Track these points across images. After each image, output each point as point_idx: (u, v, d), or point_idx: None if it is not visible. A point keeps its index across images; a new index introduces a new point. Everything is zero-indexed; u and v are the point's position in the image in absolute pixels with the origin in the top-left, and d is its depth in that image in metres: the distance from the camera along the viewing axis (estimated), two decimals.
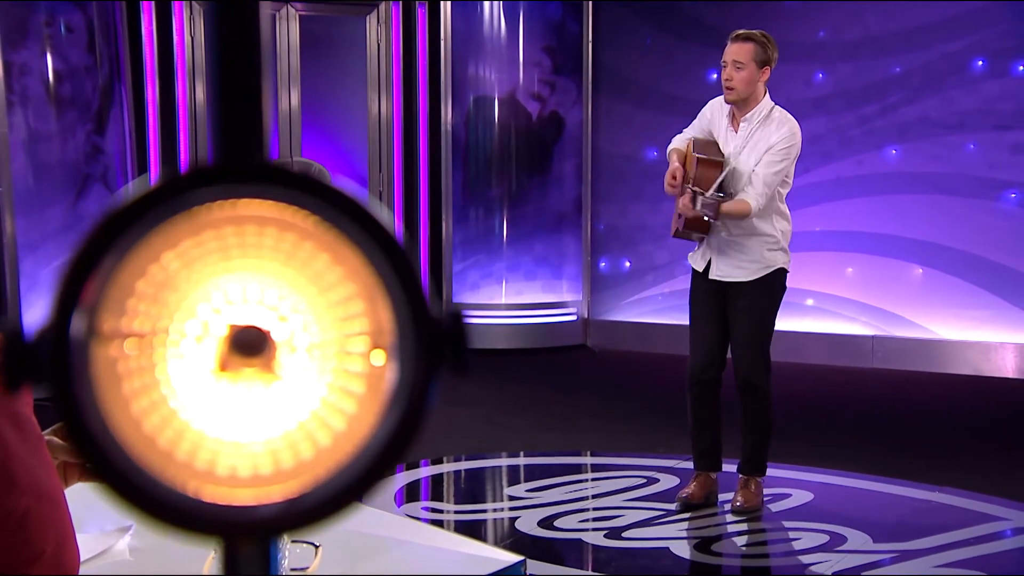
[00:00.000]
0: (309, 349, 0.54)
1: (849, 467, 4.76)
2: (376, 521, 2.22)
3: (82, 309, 0.51)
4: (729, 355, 4.12)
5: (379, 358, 0.53)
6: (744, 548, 3.97)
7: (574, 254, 8.05)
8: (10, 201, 6.04)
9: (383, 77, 7.62)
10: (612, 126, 7.99)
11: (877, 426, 5.64)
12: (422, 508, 4.37)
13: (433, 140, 7.77)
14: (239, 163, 0.52)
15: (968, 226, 6.87)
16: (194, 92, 7.19)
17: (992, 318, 6.82)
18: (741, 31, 3.98)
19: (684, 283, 7.73)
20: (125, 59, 6.68)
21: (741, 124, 3.99)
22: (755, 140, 3.96)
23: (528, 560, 2.50)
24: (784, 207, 4.08)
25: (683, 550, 3.85)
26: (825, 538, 3.92)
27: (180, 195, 0.51)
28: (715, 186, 3.87)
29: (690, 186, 3.88)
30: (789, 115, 4.02)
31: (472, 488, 4.73)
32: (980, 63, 6.81)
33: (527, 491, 4.53)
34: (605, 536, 3.97)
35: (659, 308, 7.92)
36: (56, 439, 1.30)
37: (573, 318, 8.04)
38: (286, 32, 7.37)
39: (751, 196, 3.89)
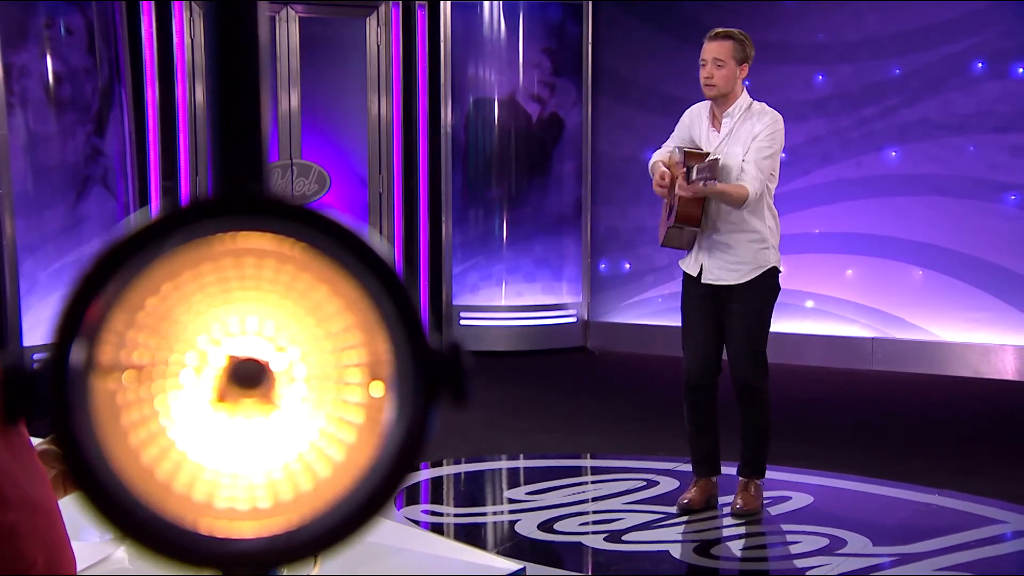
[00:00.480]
0: (308, 379, 0.54)
1: (849, 470, 4.76)
2: (375, 528, 2.21)
3: (81, 341, 0.51)
4: (725, 358, 4.12)
5: (378, 389, 0.53)
6: (744, 552, 3.97)
7: (574, 256, 8.05)
8: (10, 203, 6.04)
9: (383, 79, 7.62)
10: (612, 128, 7.99)
11: (877, 428, 5.64)
12: (422, 511, 4.37)
13: (433, 142, 7.76)
14: (238, 196, 0.52)
15: (968, 228, 6.86)
16: (194, 93, 7.18)
17: (992, 320, 6.82)
18: (720, 29, 4.01)
19: None
20: (125, 61, 6.68)
21: (723, 120, 4.00)
22: (738, 133, 3.97)
23: (528, 564, 2.51)
24: (772, 204, 4.07)
25: (683, 554, 3.86)
26: (825, 541, 3.92)
27: (179, 228, 0.51)
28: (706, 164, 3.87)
29: (682, 167, 3.89)
30: (767, 106, 4.04)
31: (472, 491, 4.73)
32: (980, 65, 6.81)
33: (527, 494, 4.53)
34: (605, 539, 3.97)
35: (659, 310, 7.91)
36: (53, 448, 1.30)
37: (573, 320, 8.04)
38: (286, 34, 7.37)
39: (747, 181, 3.89)
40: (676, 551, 3.87)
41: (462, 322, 7.87)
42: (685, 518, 4.16)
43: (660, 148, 4.24)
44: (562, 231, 7.98)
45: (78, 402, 0.51)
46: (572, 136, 7.96)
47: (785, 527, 4.11)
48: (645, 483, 4.61)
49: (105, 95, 6.42)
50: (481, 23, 7.72)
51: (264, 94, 0.53)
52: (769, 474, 4.27)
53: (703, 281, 4.05)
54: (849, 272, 7.28)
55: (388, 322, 0.53)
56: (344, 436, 0.54)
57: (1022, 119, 6.71)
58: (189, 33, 7.09)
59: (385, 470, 0.54)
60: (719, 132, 4.01)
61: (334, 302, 0.53)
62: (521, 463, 5.13)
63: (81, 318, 0.51)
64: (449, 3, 7.64)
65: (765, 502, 4.27)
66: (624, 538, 3.97)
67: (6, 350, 5.74)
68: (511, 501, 4.49)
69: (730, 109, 3.98)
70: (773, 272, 4.08)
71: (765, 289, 4.06)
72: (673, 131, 4.22)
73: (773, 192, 4.06)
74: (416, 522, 4.16)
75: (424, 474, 4.83)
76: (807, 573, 3.65)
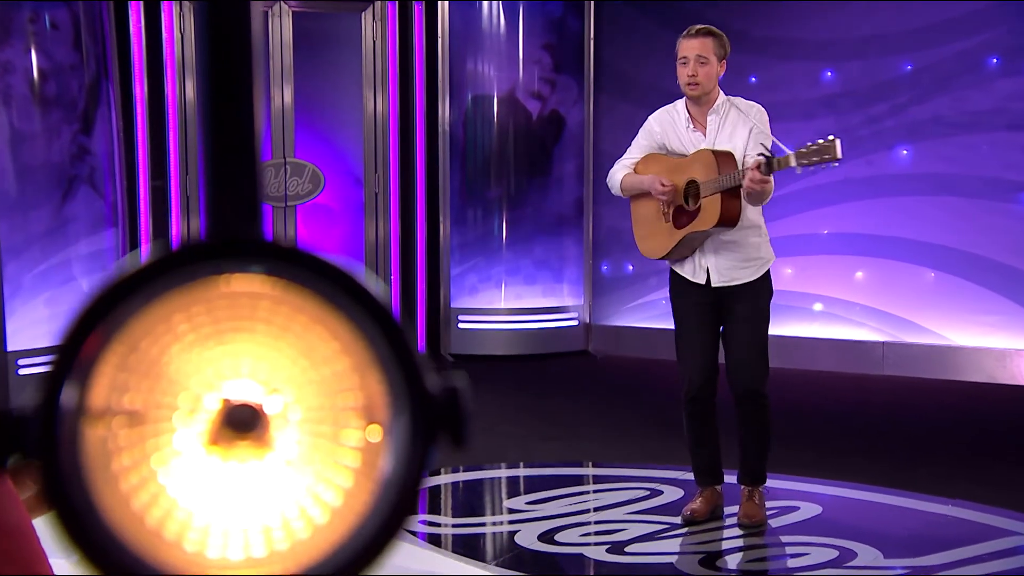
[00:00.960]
0: (302, 423, 0.55)
1: (859, 479, 4.77)
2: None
3: (72, 385, 0.51)
4: (722, 362, 4.12)
5: (374, 434, 0.53)
6: (750, 564, 3.98)
7: (575, 257, 8.06)
8: None
9: (379, 75, 7.63)
10: (614, 126, 7.99)
11: (888, 436, 5.65)
12: (419, 522, 4.37)
13: (430, 140, 7.77)
14: (232, 238, 0.52)
15: (982, 228, 6.87)
16: (184, 90, 7.19)
17: (1007, 323, 6.83)
18: (700, 26, 4.00)
19: None
20: (112, 56, 6.68)
21: (709, 118, 3.99)
22: (728, 129, 3.97)
23: None
24: None
25: (688, 566, 3.86)
26: (834, 553, 3.92)
27: (172, 271, 0.51)
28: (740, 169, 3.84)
29: (757, 155, 3.78)
30: (746, 100, 4.05)
31: (470, 501, 4.73)
32: (994, 61, 6.81)
33: (527, 504, 4.53)
34: (607, 551, 3.98)
35: (663, 313, 7.92)
36: (26, 466, 1.30)
37: (574, 323, 8.05)
38: (279, 29, 7.37)
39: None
40: (680, 563, 3.87)
41: (460, 325, 7.87)
42: (689, 529, 4.17)
43: (619, 162, 4.19)
44: (563, 232, 7.98)
45: (67, 447, 0.52)
46: (573, 134, 7.96)
47: (793, 538, 4.11)
48: (648, 492, 4.61)
49: (92, 92, 6.42)
50: (480, 18, 7.73)
51: (257, 134, 0.53)
52: (776, 483, 4.28)
53: (714, 285, 4.04)
54: (859, 274, 7.29)
55: (385, 365, 0.54)
56: (341, 481, 0.55)
57: None
58: (179, 28, 7.09)
59: (383, 516, 0.54)
60: (704, 132, 4.00)
61: (330, 345, 0.54)
62: (521, 471, 5.14)
63: (72, 361, 0.51)
64: None
65: (773, 512, 4.28)
66: (627, 549, 3.98)
67: None
68: (510, 511, 4.49)
69: (715, 107, 3.98)
70: (770, 268, 4.10)
71: (767, 289, 4.09)
72: (633, 142, 4.18)
73: None
74: (413, 533, 4.16)
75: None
76: None
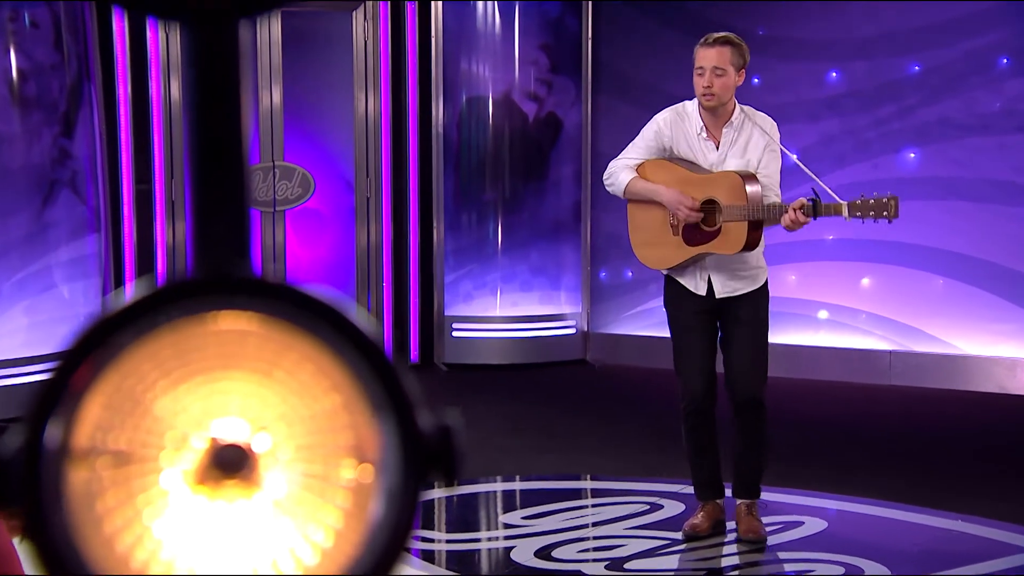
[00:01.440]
0: (291, 462, 0.55)
1: (865, 493, 4.77)
2: None
3: (56, 425, 0.52)
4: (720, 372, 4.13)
5: (365, 473, 0.54)
6: None
7: (573, 263, 8.06)
8: None
9: (370, 75, 7.63)
10: (613, 128, 7.99)
11: (895, 448, 5.66)
12: (415, 526, 4.37)
13: (423, 142, 7.77)
14: (219, 275, 0.53)
15: (991, 234, 6.88)
16: (169, 90, 7.18)
17: (1018, 332, 6.83)
18: (718, 34, 3.96)
19: None
20: (95, 56, 6.68)
21: (724, 130, 4.00)
22: (742, 142, 3.98)
23: None
24: None
25: None
26: (840, 570, 3.93)
27: (159, 309, 0.52)
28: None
29: (806, 198, 3.81)
30: (759, 111, 4.07)
31: (465, 515, 4.73)
32: (1005, 61, 6.83)
33: (523, 518, 4.54)
34: (606, 567, 3.98)
35: (663, 321, 7.89)
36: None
37: (572, 331, 8.05)
38: (267, 27, 7.38)
39: (775, 200, 3.94)
40: None
41: (454, 334, 7.88)
42: (690, 545, 4.17)
43: (619, 161, 4.18)
44: (560, 237, 7.99)
45: (51, 489, 0.52)
46: (571, 137, 7.97)
47: (797, 554, 4.12)
48: (649, 507, 4.61)
49: (73, 93, 6.42)
50: (474, 17, 7.74)
51: (247, 169, 0.54)
52: (780, 497, 4.29)
53: (719, 296, 4.06)
54: (865, 281, 7.30)
55: (376, 403, 0.54)
56: (331, 522, 0.55)
57: None
58: (164, 27, 7.10)
59: (375, 558, 0.55)
60: (716, 143, 4.01)
61: (319, 382, 0.54)
62: (517, 485, 5.14)
63: (56, 402, 0.52)
64: None
65: (777, 527, 4.29)
66: (626, 566, 3.98)
67: None
68: (506, 526, 4.50)
69: (732, 120, 3.98)
70: (767, 279, 4.14)
71: (766, 296, 4.12)
72: (638, 139, 4.16)
73: None
74: (405, 549, 4.16)
75: None
76: None
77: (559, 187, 7.97)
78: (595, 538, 4.31)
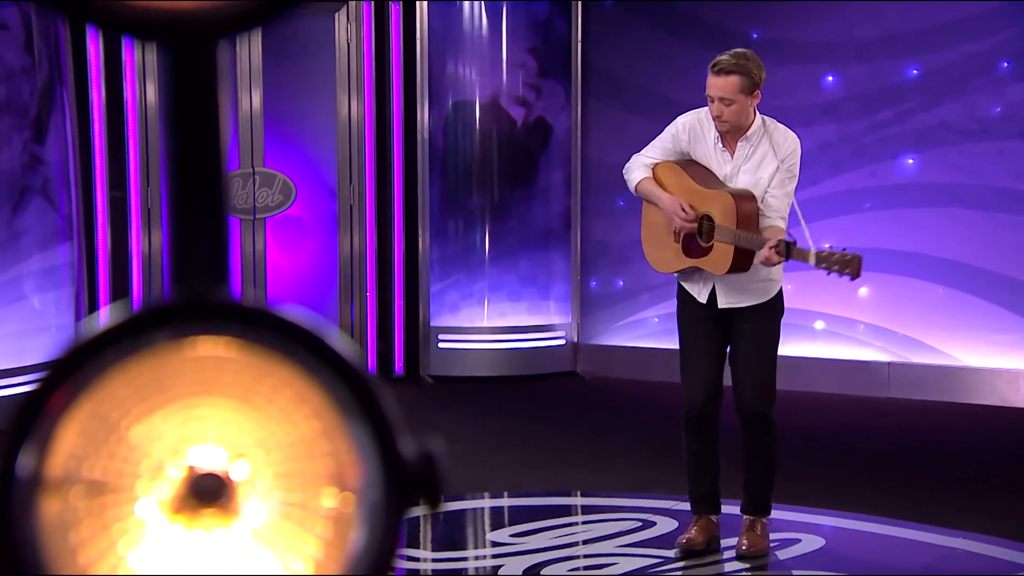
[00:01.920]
0: (270, 490, 0.56)
1: (864, 509, 4.79)
2: None
3: (29, 454, 0.52)
4: (728, 384, 4.15)
5: (346, 501, 0.54)
6: None
7: (562, 272, 8.07)
8: None
9: (354, 79, 7.64)
10: (603, 133, 8.01)
11: (894, 463, 5.67)
12: (397, 556, 4.37)
13: (408, 148, 7.78)
14: (197, 301, 0.53)
15: (993, 242, 6.91)
16: (144, 94, 7.18)
17: (1020, 343, 6.86)
18: (722, 61, 3.96)
19: None
20: (67, 59, 6.67)
21: (740, 144, 4.04)
22: (756, 159, 4.01)
23: None
24: None
25: None
26: None
27: (134, 336, 0.53)
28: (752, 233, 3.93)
29: (781, 239, 3.88)
30: (779, 124, 4.07)
31: (451, 533, 4.73)
32: (1006, 65, 6.86)
33: (511, 536, 4.54)
34: None
35: (655, 331, 7.93)
36: None
37: (561, 342, 8.05)
38: None
39: (779, 225, 3.97)
40: None
41: (440, 345, 7.88)
42: (684, 563, 4.17)
43: (639, 157, 4.24)
44: (549, 246, 8.00)
45: (23, 520, 0.53)
46: (560, 142, 7.98)
47: (795, 572, 4.13)
48: (641, 524, 4.62)
49: (44, 97, 6.41)
50: (461, 19, 7.75)
51: (225, 191, 0.54)
52: (777, 514, 4.29)
53: (720, 306, 4.09)
54: (862, 290, 7.32)
55: (356, 430, 0.55)
56: (311, 551, 0.56)
57: None
58: (140, 45, 7.09)
59: None
60: (732, 155, 4.05)
61: (299, 408, 0.55)
62: (505, 502, 5.14)
63: (28, 430, 0.52)
64: None
65: (772, 544, 4.29)
66: None
67: None
68: (494, 544, 4.50)
69: (747, 133, 4.01)
70: (781, 292, 4.15)
71: (777, 309, 4.13)
72: (658, 139, 4.22)
73: None
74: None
75: None
76: None
77: (548, 194, 7.98)
78: (586, 556, 4.32)
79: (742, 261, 3.95)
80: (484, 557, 4.38)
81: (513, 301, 7.94)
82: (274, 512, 0.57)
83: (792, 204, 4.09)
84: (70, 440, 0.54)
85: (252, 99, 7.43)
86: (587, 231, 8.11)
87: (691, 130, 4.12)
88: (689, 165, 4.13)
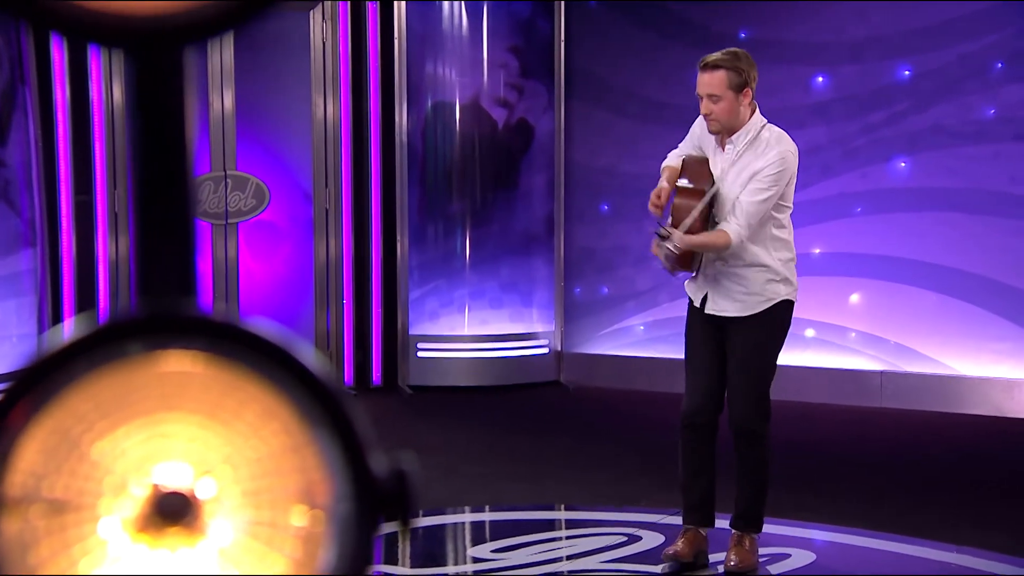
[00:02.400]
0: (238, 508, 0.56)
1: (856, 523, 4.80)
2: None
3: None
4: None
5: (315, 521, 0.55)
6: None
7: (545, 279, 8.08)
8: None
9: (329, 79, 7.63)
10: (587, 135, 8.03)
11: (886, 475, 5.70)
12: (375, 573, 4.37)
13: (386, 150, 7.78)
14: (163, 314, 0.53)
15: (987, 248, 6.94)
16: (111, 95, 7.16)
17: (1015, 351, 6.89)
18: (709, 58, 4.02)
19: (669, 311, 7.82)
20: (29, 58, 6.65)
21: (727, 145, 4.07)
22: (741, 164, 4.04)
23: None
24: (783, 233, 4.15)
25: None
26: None
27: (97, 349, 0.53)
28: (688, 221, 3.96)
29: (658, 228, 3.97)
30: (782, 134, 4.09)
31: (431, 548, 4.73)
32: (1000, 65, 6.90)
33: (493, 552, 4.54)
34: None
35: (641, 340, 7.95)
36: None
37: (544, 351, 8.06)
38: None
39: (731, 229, 3.98)
40: None
41: (420, 354, 7.87)
42: None
43: (675, 150, 4.30)
44: (532, 251, 8.01)
45: None
46: (543, 145, 8.00)
47: None
48: (626, 538, 4.62)
49: (6, 97, 6.38)
50: (440, 17, 7.76)
51: (192, 201, 0.55)
52: (766, 527, 4.30)
53: (706, 312, 4.12)
54: (854, 297, 7.35)
55: (326, 445, 0.55)
56: (279, 571, 0.56)
57: None
58: (106, 52, 7.07)
59: None
60: (724, 153, 4.10)
61: (267, 424, 0.55)
62: (486, 516, 5.14)
63: None
64: None
65: (762, 559, 4.30)
66: None
67: None
68: (475, 560, 4.49)
69: (735, 136, 4.04)
70: (784, 306, 4.14)
71: (773, 324, 4.13)
72: (688, 134, 4.30)
73: (784, 221, 4.13)
74: None
75: None
76: None
77: (531, 198, 8.00)
78: (570, 572, 4.32)
79: (682, 258, 4.02)
80: (465, 574, 4.38)
81: (495, 308, 7.94)
82: (241, 531, 0.57)
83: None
84: (30, 457, 0.54)
85: (224, 100, 7.41)
86: (571, 236, 8.13)
87: (701, 125, 4.18)
88: (695, 160, 4.18)
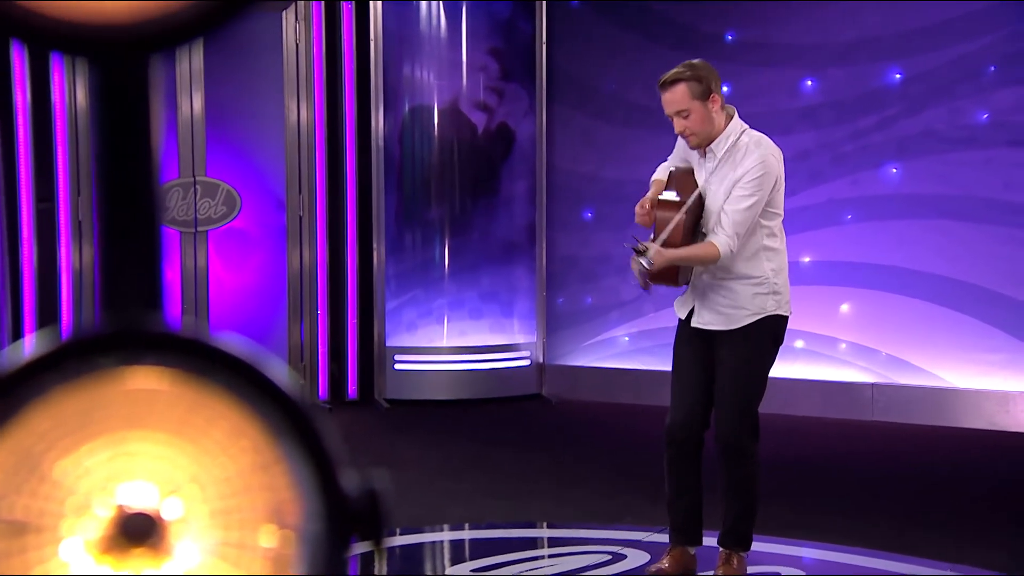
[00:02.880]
0: (205, 528, 0.56)
1: (846, 540, 4.81)
2: None
3: None
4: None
5: (285, 542, 0.55)
6: None
7: (527, 289, 8.09)
8: None
9: (303, 82, 7.63)
10: (570, 140, 8.05)
11: (878, 490, 5.71)
12: None
13: (362, 155, 7.78)
14: (128, 329, 0.54)
15: (981, 256, 6.97)
16: (74, 97, 7.13)
17: (1010, 362, 6.92)
18: (666, 76, 4.05)
19: (654, 322, 7.84)
20: None
21: (707, 154, 4.09)
22: (722, 173, 4.06)
23: None
24: (774, 242, 4.15)
25: None
26: None
27: (61, 366, 0.53)
28: (664, 235, 3.98)
29: (635, 243, 3.98)
30: (762, 138, 4.10)
31: (408, 568, 4.72)
32: (992, 69, 6.94)
33: (472, 571, 4.53)
34: None
35: (625, 351, 7.96)
36: None
37: (526, 363, 8.07)
38: None
39: (719, 240, 3.99)
40: None
41: (397, 366, 7.86)
42: None
43: (665, 162, 4.32)
44: (513, 260, 8.02)
45: None
46: (524, 150, 8.01)
47: None
48: (611, 557, 4.63)
49: None
50: (417, 18, 7.77)
51: (158, 213, 0.55)
52: (754, 545, 4.31)
53: (693, 325, 4.13)
54: (844, 307, 7.38)
55: (296, 464, 0.55)
56: None
57: None
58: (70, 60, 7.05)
59: None
60: (705, 162, 4.11)
61: (235, 442, 0.55)
62: (466, 534, 5.13)
63: None
64: None
65: None
66: None
67: None
68: None
69: (713, 144, 4.06)
70: (775, 320, 4.14)
71: (762, 338, 4.13)
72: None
73: (776, 230, 4.14)
74: None
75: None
76: None
77: (511, 205, 8.00)
78: None
79: (665, 273, 4.03)
80: None
81: (474, 319, 7.94)
82: (209, 552, 0.57)
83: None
84: None
85: (193, 103, 7.40)
86: (553, 245, 8.14)
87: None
88: (682, 171, 4.19)
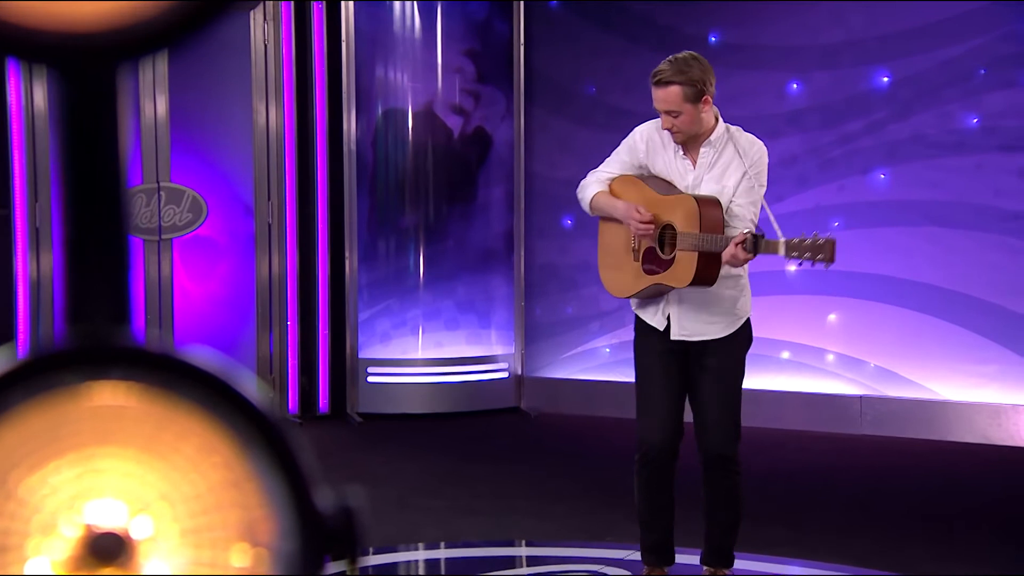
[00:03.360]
0: (175, 547, 0.57)
1: (834, 558, 4.83)
2: None
3: None
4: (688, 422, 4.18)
5: (258, 561, 0.55)
6: None
7: (504, 298, 8.10)
8: None
9: (272, 84, 7.62)
10: (548, 145, 8.06)
11: (867, 506, 5.74)
12: None
13: (333, 160, 7.77)
14: (95, 345, 0.54)
15: (972, 264, 7.01)
16: (31, 99, 7.11)
17: (1002, 374, 6.95)
18: (661, 71, 4.03)
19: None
20: None
21: (702, 150, 4.09)
22: (722, 164, 4.06)
23: None
24: None
25: None
26: None
27: (25, 382, 0.53)
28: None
29: (748, 231, 3.91)
30: (749, 133, 4.14)
31: None
32: (982, 72, 6.99)
33: None
34: None
35: (606, 363, 7.97)
36: None
37: (504, 375, 8.07)
38: None
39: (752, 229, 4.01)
40: None
41: (370, 379, 7.85)
42: None
43: (595, 173, 4.29)
44: (490, 269, 8.02)
45: None
46: (501, 155, 8.03)
47: None
48: None
49: None
50: (391, 19, 7.78)
51: (125, 224, 0.55)
52: (739, 563, 4.32)
53: (673, 337, 4.10)
54: (831, 317, 7.41)
55: (268, 481, 0.56)
56: None
57: None
58: (27, 69, 7.02)
59: None
60: (694, 163, 4.09)
61: (206, 458, 0.56)
62: (441, 553, 5.13)
63: None
64: None
65: None
66: None
67: None
68: None
69: (710, 139, 4.07)
70: (748, 322, 4.17)
71: (742, 342, 4.15)
72: (615, 153, 4.28)
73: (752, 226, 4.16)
74: None
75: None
76: None
77: (488, 212, 8.01)
78: None
79: (707, 271, 3.97)
80: None
81: (450, 330, 7.94)
82: (179, 571, 0.58)
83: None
84: None
85: (156, 106, 7.38)
86: (531, 253, 8.15)
87: (649, 140, 4.16)
88: (649, 178, 4.17)
